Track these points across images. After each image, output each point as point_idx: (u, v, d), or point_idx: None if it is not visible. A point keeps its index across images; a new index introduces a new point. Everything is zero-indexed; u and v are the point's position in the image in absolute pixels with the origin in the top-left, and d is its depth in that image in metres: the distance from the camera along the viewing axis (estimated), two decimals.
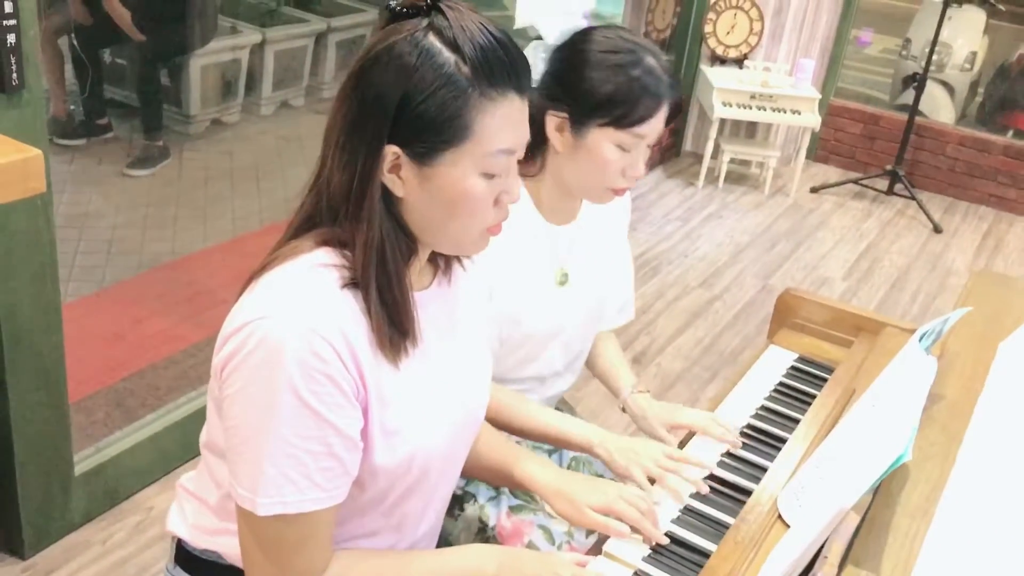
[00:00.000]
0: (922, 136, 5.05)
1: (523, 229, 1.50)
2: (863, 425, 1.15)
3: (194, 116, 4.43)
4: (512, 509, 1.54)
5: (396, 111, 0.98)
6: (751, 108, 4.53)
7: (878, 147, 5.17)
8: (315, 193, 1.07)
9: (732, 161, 4.83)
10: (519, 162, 1.36)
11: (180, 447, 2.42)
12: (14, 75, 1.72)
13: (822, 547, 0.99)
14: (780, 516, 1.28)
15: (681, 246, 4.08)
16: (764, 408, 1.64)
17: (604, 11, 4.20)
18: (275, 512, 1.00)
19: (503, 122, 1.01)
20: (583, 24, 1.44)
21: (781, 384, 1.71)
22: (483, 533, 1.52)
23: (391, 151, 1.00)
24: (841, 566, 1.00)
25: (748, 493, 1.38)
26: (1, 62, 1.70)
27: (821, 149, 5.32)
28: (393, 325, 1.05)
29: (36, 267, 1.91)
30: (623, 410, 1.69)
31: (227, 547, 1.17)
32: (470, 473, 1.41)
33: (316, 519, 1.03)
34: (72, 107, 4.18)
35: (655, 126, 1.42)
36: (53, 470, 2.12)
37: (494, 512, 1.53)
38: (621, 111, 1.39)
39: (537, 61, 1.44)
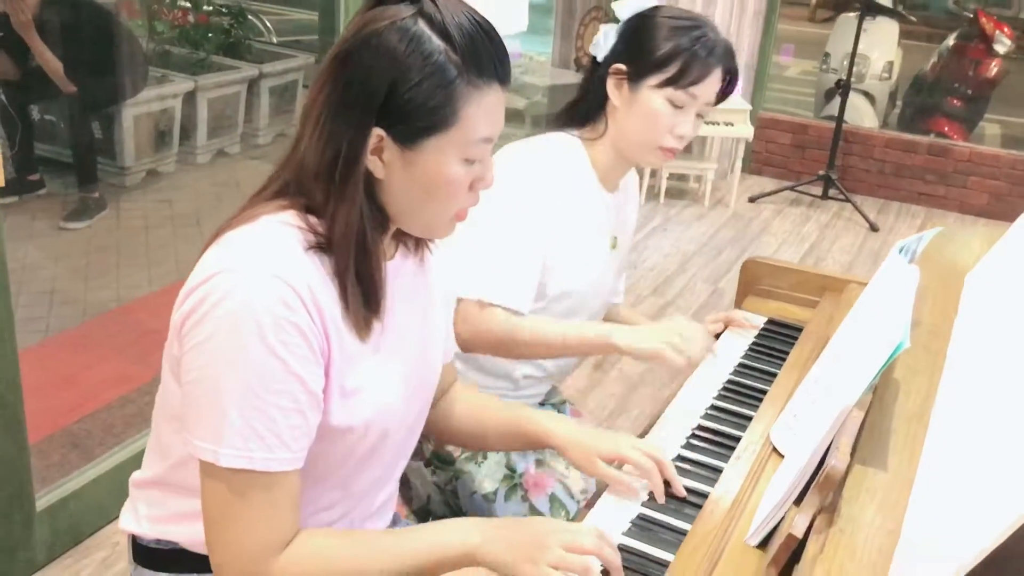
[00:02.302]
0: (850, 142, 5.20)
1: (584, 191, 1.59)
2: (851, 338, 1.16)
3: (129, 167, 4.37)
4: (537, 462, 1.57)
5: (385, 96, 0.98)
6: None
7: (809, 155, 5.31)
8: (287, 169, 1.06)
9: (671, 177, 4.92)
10: (580, 124, 1.52)
11: None
12: None
13: (829, 448, 0.99)
14: (775, 449, 1.28)
15: (629, 258, 4.12)
16: (742, 365, 1.64)
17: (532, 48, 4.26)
18: (239, 466, 0.97)
19: (487, 111, 1.02)
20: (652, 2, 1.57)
21: (754, 344, 1.72)
22: (510, 479, 1.54)
23: (376, 134, 1.00)
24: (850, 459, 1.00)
25: (738, 441, 1.38)
26: None
27: (755, 161, 5.44)
28: (367, 301, 1.05)
29: None
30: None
31: (184, 534, 1.13)
32: (482, 444, 1.40)
33: (283, 481, 1.00)
34: (2, 163, 4.10)
35: (706, 90, 1.50)
36: (15, 508, 2.04)
37: (521, 461, 1.55)
38: (676, 70, 1.48)
39: (609, 38, 1.57)
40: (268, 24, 5.96)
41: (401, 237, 1.16)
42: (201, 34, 5.04)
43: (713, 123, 4.65)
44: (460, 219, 1.10)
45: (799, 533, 0.94)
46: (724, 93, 1.56)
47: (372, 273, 1.05)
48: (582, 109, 1.61)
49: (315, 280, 1.00)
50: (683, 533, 1.16)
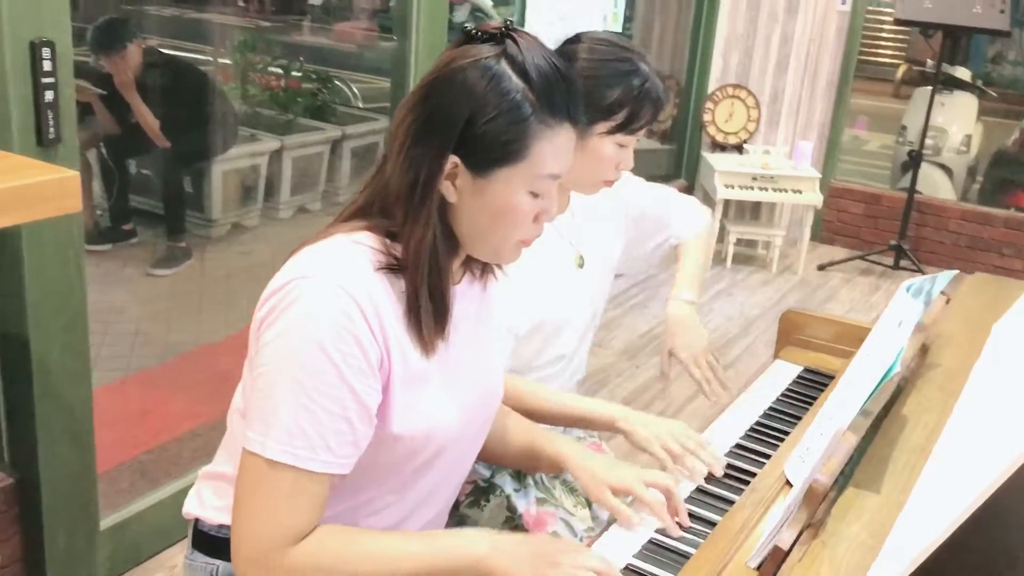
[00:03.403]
0: (924, 213, 5.16)
1: None
2: (856, 371, 1.20)
3: (215, 220, 4.59)
4: (538, 500, 1.58)
5: (463, 127, 1.07)
6: (753, 189, 4.67)
7: (881, 225, 5.28)
8: (371, 190, 1.15)
9: (739, 243, 4.94)
10: None
11: None
12: (51, 129, 1.85)
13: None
14: (788, 481, 1.31)
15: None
16: (772, 409, 1.67)
17: None
18: (281, 459, 1.04)
19: (556, 148, 1.11)
20: (571, 32, 1.55)
21: (787, 391, 1.75)
22: (511, 522, 1.56)
23: (452, 160, 1.09)
24: (837, 482, 1.04)
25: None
26: (39, 117, 1.83)
27: (825, 231, 5.43)
28: (435, 320, 1.13)
29: (67, 318, 2.00)
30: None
31: None
32: (502, 460, 1.46)
33: (316, 480, 1.07)
34: (99, 214, 4.36)
35: (645, 127, 1.54)
36: (79, 525, 2.16)
37: (522, 502, 1.58)
38: (624, 116, 1.50)
39: None
40: (355, 90, 6.22)
41: (468, 264, 1.24)
42: (290, 97, 5.31)
43: (781, 190, 4.68)
44: (526, 246, 1.18)
45: (785, 546, 0.97)
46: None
47: (442, 293, 1.13)
48: None
49: (381, 298, 1.08)
50: (688, 557, 1.20)
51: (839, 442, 1.01)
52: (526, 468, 1.54)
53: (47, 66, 1.81)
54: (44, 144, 1.85)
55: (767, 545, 1.11)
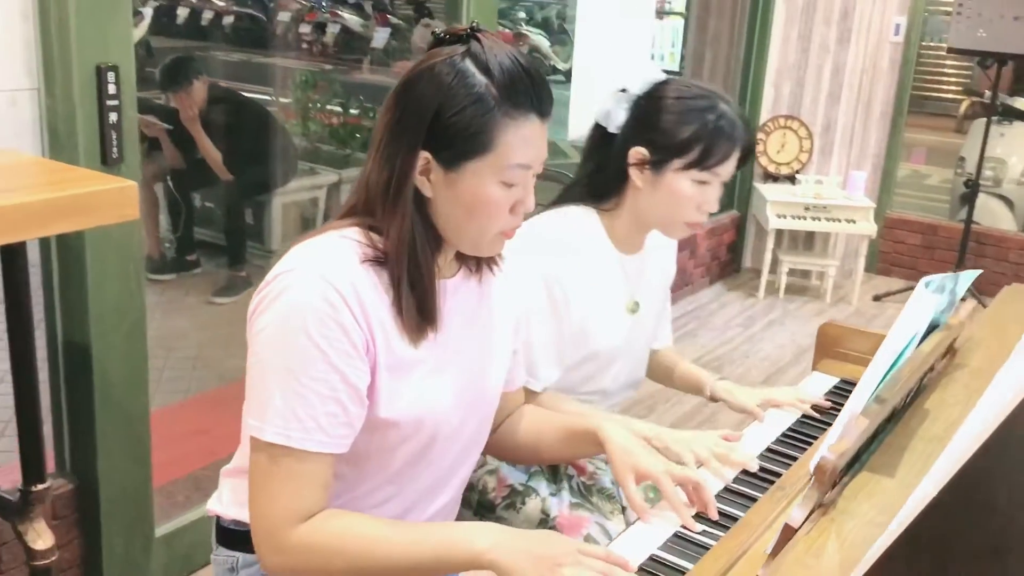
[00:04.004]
0: (983, 243, 5.09)
1: (599, 258, 1.65)
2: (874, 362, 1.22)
3: (275, 251, 4.72)
4: (572, 505, 1.61)
5: (431, 121, 1.14)
6: (805, 219, 4.66)
7: (939, 256, 5.22)
8: (357, 190, 1.23)
9: (792, 273, 4.92)
10: (597, 199, 1.60)
11: None
12: (114, 149, 1.96)
13: None
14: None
15: (743, 348, 4.14)
16: (806, 416, 1.69)
17: None
18: (278, 441, 1.10)
19: (522, 140, 1.16)
20: (661, 75, 1.62)
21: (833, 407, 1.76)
22: (544, 524, 1.60)
23: (423, 156, 1.16)
24: (852, 468, 1.06)
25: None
26: (104, 138, 1.94)
27: (882, 262, 5.38)
28: (420, 310, 1.19)
29: (127, 329, 2.09)
30: (711, 399, 1.82)
31: None
32: (540, 455, 1.50)
33: (315, 460, 1.13)
34: (165, 245, 4.53)
35: (728, 166, 1.57)
36: (135, 531, 2.24)
37: (556, 505, 1.61)
38: (699, 153, 1.54)
39: (620, 111, 1.60)
40: None
41: (464, 259, 1.30)
42: (348, 133, 5.46)
43: (834, 220, 4.66)
44: (508, 237, 1.23)
45: (796, 524, 1.00)
46: (743, 163, 1.60)
47: (424, 284, 1.19)
48: (597, 183, 1.65)
49: (365, 287, 1.14)
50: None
51: (852, 424, 1.03)
52: (567, 457, 1.57)
53: (112, 89, 1.93)
54: (108, 163, 1.95)
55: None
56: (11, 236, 1.44)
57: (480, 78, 1.14)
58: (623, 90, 1.62)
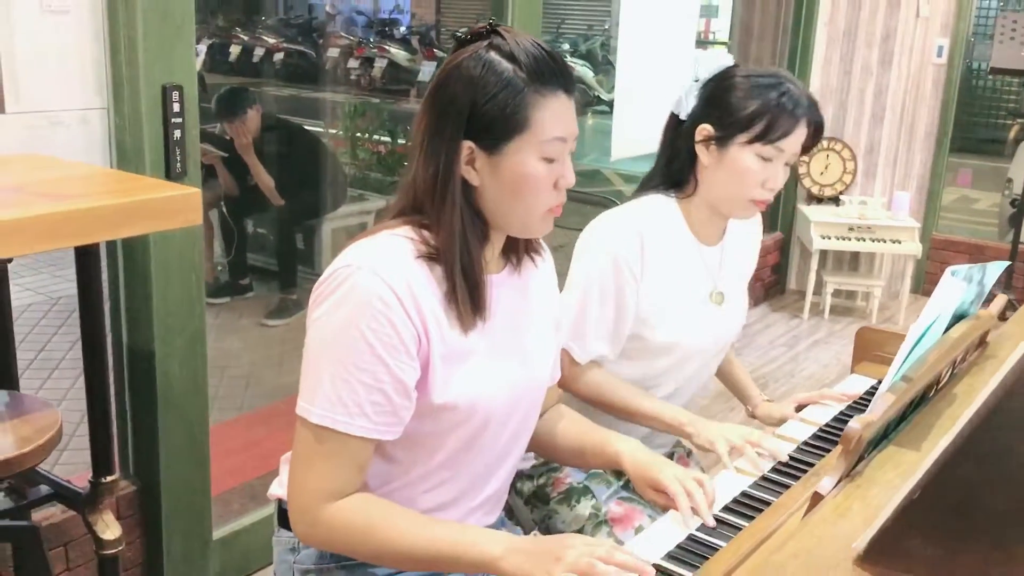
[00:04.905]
0: None
1: (677, 246, 1.69)
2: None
3: None
4: (624, 499, 1.67)
5: (469, 112, 1.22)
6: (850, 240, 4.67)
7: None
8: (404, 192, 1.30)
9: (837, 294, 4.92)
10: (674, 186, 1.65)
11: None
12: (178, 163, 2.07)
13: None
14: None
15: (787, 367, 4.15)
16: (843, 414, 1.72)
17: None
18: (323, 423, 1.18)
19: (554, 114, 1.24)
20: (731, 60, 1.68)
21: (862, 399, 1.80)
22: (596, 517, 1.65)
23: (467, 146, 1.23)
24: (879, 444, 1.10)
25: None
26: (168, 153, 2.06)
27: (929, 283, 5.35)
28: (470, 298, 1.25)
29: (188, 335, 2.19)
30: (751, 415, 1.88)
31: None
32: (553, 453, 1.55)
33: (355, 444, 1.20)
34: (219, 269, 4.67)
35: (793, 142, 1.60)
36: (194, 534, 2.33)
37: (607, 501, 1.67)
38: (762, 127, 1.58)
39: (691, 97, 1.67)
40: None
41: (506, 254, 1.37)
42: (396, 161, 5.59)
43: (879, 240, 4.66)
44: (555, 215, 1.30)
45: (824, 492, 1.05)
46: (811, 143, 1.63)
47: (475, 274, 1.26)
48: (672, 170, 1.69)
49: (419, 282, 1.21)
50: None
51: (879, 399, 1.08)
52: (575, 464, 1.63)
53: (176, 108, 2.04)
54: (172, 177, 2.06)
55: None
56: (85, 238, 1.54)
57: (507, 64, 1.22)
58: (696, 80, 1.67)
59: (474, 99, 1.21)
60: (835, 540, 0.95)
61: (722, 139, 1.62)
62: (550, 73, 1.23)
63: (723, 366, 1.95)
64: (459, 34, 1.28)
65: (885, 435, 1.17)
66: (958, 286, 1.21)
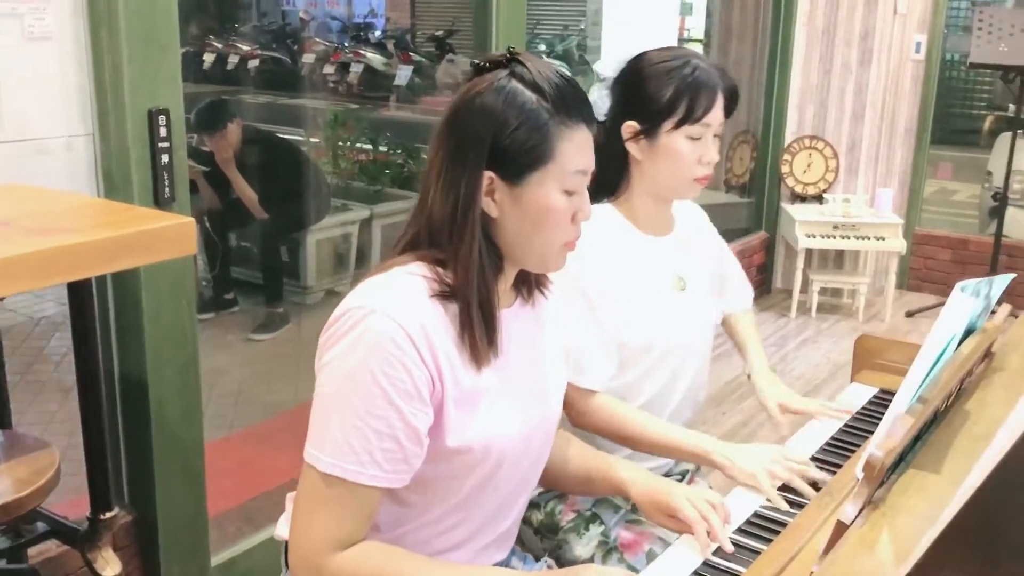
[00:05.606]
0: (1013, 256, 5.08)
1: (624, 248, 1.66)
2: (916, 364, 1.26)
3: (310, 287, 4.79)
4: (631, 522, 1.65)
5: (491, 142, 1.18)
6: (835, 237, 4.69)
7: (970, 271, 5.21)
8: (417, 222, 1.26)
9: (823, 292, 4.94)
10: (609, 192, 1.61)
11: None
12: (167, 189, 2.04)
13: None
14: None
15: (778, 367, 4.15)
16: (848, 426, 1.72)
17: None
18: (333, 472, 1.14)
19: (577, 146, 1.22)
20: (629, 53, 1.66)
21: (864, 409, 1.79)
22: (605, 544, 1.63)
23: (487, 176, 1.20)
24: (898, 467, 1.09)
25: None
26: (156, 178, 2.02)
27: (913, 278, 5.38)
28: (486, 333, 1.22)
29: (182, 362, 2.16)
30: (748, 377, 1.88)
31: None
32: (560, 483, 1.53)
33: (364, 493, 1.16)
34: (203, 285, 4.62)
35: (717, 115, 1.61)
36: (192, 561, 2.30)
37: (615, 528, 1.65)
38: (685, 108, 1.58)
39: (603, 98, 1.65)
40: None
41: (518, 287, 1.34)
42: (378, 169, 5.56)
43: (863, 238, 4.68)
44: (570, 249, 1.28)
45: (848, 520, 1.03)
46: (730, 110, 1.64)
47: (491, 308, 1.23)
48: (605, 175, 1.61)
49: (432, 322, 1.18)
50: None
51: (898, 422, 1.07)
52: (583, 492, 1.61)
53: (163, 132, 2.01)
54: (160, 203, 2.03)
55: None
56: (79, 273, 1.51)
57: (530, 95, 1.19)
58: (601, 79, 1.66)
59: (497, 129, 1.18)
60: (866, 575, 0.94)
61: (649, 130, 1.61)
62: (575, 104, 1.21)
63: (730, 325, 1.99)
64: (477, 62, 1.25)
65: (902, 457, 1.16)
66: (968, 302, 1.20)
